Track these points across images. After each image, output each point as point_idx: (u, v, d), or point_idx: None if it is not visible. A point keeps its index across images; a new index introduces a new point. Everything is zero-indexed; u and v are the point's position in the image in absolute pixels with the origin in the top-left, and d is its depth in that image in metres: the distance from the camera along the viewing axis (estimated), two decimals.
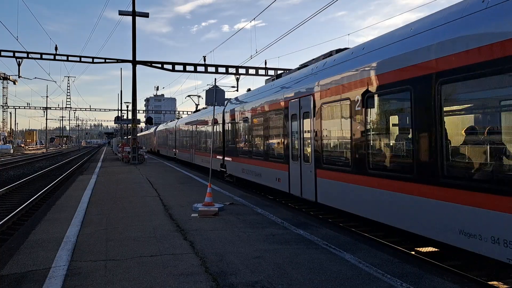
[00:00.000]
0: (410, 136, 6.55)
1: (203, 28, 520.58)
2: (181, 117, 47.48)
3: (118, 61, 30.60)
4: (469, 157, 5.70)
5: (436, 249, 7.24)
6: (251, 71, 32.10)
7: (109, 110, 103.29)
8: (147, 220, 8.38)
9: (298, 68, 12.03)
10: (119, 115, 47.83)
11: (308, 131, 10.12)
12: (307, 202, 11.16)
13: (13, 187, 17.18)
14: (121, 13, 26.44)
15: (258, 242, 6.58)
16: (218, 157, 18.75)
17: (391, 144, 7.40)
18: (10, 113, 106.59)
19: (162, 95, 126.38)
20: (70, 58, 30.16)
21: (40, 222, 8.29)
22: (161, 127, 46.24)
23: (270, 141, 13.00)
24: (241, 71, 32.17)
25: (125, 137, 43.29)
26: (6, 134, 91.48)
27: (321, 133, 9.48)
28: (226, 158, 17.84)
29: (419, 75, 6.18)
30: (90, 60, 30.38)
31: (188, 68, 31.40)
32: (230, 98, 18.94)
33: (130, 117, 36.38)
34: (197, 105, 35.94)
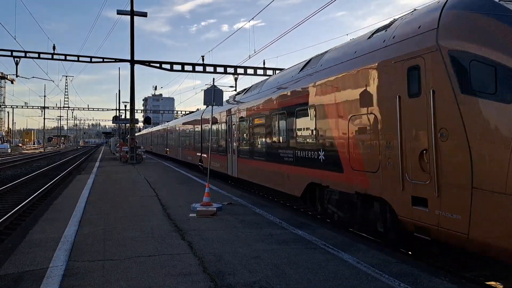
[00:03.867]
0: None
1: (202, 27, 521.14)
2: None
3: (116, 60, 30.55)
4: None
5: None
6: (250, 71, 32.10)
7: (107, 109, 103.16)
8: (145, 220, 8.36)
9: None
10: (117, 114, 47.78)
11: None
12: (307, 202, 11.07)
13: (10, 186, 17.12)
14: (119, 12, 26.42)
15: (257, 242, 6.57)
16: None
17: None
18: (8, 112, 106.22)
19: (161, 94, 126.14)
20: (68, 58, 30.07)
21: (38, 222, 8.27)
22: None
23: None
24: (240, 71, 32.17)
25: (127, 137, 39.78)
26: (3, 134, 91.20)
27: None
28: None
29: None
30: (88, 59, 30.31)
31: (187, 67, 31.37)
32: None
33: (128, 116, 36.30)
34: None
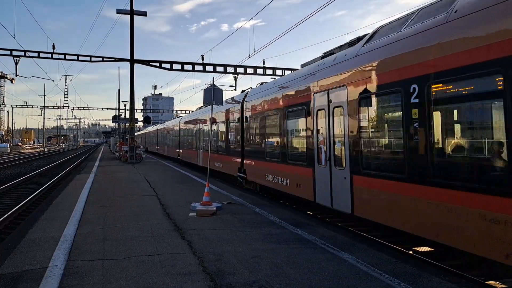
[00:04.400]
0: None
1: (202, 27, 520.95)
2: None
3: (116, 59, 30.53)
4: None
5: (432, 249, 7.24)
6: (249, 70, 32.06)
7: (107, 109, 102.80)
8: (144, 219, 8.35)
9: None
10: (117, 114, 47.77)
11: None
12: (304, 202, 11.05)
13: (10, 186, 17.11)
14: (119, 11, 26.43)
15: (256, 242, 6.56)
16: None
17: None
18: (8, 111, 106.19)
19: (160, 94, 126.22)
20: (67, 57, 30.05)
21: (37, 221, 8.26)
22: None
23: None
24: (239, 70, 32.14)
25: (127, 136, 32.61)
26: (3, 133, 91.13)
27: None
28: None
29: None
30: (88, 58, 30.29)
31: (186, 67, 31.35)
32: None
33: (128, 116, 36.26)
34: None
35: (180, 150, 29.07)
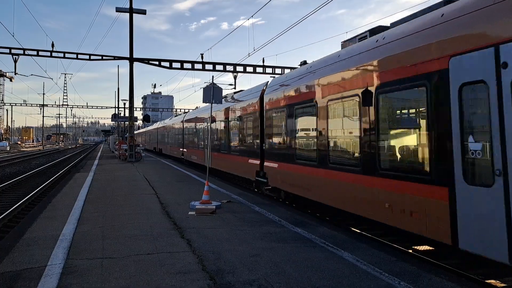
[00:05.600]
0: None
1: (202, 25, 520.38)
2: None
3: (115, 58, 30.45)
4: None
5: (432, 248, 7.23)
6: (249, 69, 32.00)
7: (106, 107, 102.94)
8: (144, 218, 8.34)
9: None
10: (116, 112, 47.68)
11: None
12: (304, 201, 11.04)
13: (9, 184, 17.08)
14: (118, 10, 26.42)
15: (256, 240, 6.55)
16: None
17: None
18: (7, 110, 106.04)
19: (160, 92, 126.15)
20: (66, 55, 29.94)
21: (36, 220, 8.24)
22: None
23: None
24: (239, 68, 32.06)
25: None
26: (2, 132, 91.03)
27: None
28: None
29: None
30: (87, 57, 30.19)
31: (186, 65, 31.25)
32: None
33: (127, 114, 36.18)
34: None
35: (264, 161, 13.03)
